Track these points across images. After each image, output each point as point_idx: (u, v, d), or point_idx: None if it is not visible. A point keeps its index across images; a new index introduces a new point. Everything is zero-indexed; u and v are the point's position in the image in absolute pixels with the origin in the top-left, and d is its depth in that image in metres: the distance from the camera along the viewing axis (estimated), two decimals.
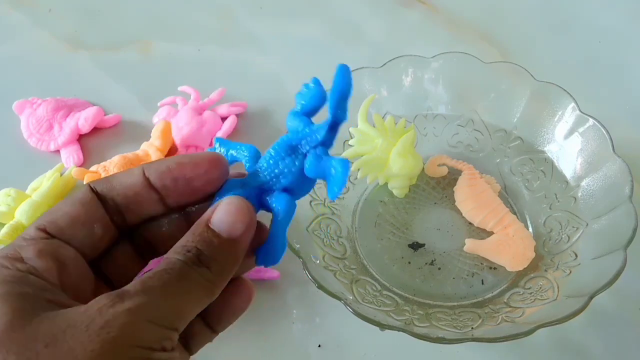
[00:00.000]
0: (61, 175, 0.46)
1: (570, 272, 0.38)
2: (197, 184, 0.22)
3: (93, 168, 0.46)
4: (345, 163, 0.21)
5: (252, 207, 0.21)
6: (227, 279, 0.21)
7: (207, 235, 0.20)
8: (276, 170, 0.22)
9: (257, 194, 0.22)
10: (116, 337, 0.17)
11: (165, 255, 0.20)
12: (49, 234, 0.21)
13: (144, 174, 0.22)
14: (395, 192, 0.44)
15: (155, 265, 0.20)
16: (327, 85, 0.24)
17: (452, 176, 0.46)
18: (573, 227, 0.40)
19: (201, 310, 0.20)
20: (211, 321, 0.23)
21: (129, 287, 0.19)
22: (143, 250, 0.24)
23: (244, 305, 0.24)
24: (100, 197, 0.21)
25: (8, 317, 0.18)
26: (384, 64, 0.45)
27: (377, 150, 0.42)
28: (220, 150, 0.24)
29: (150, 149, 0.47)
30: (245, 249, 0.21)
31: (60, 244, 0.21)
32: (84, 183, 0.45)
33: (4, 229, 0.42)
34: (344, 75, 0.22)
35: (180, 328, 0.19)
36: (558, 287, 0.37)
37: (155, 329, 0.18)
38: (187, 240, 0.20)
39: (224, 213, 0.21)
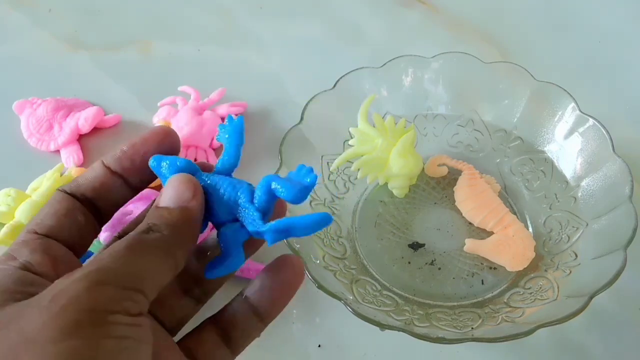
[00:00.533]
0: (61, 175, 0.46)
1: (570, 272, 0.38)
2: (151, 157, 0.23)
3: None
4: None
5: (195, 179, 0.22)
6: (185, 244, 0.21)
7: (157, 212, 0.21)
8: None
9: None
10: (65, 305, 0.17)
11: None
12: (40, 234, 0.21)
13: (103, 164, 0.23)
14: (395, 192, 0.44)
15: None
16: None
17: (452, 176, 0.46)
18: (573, 227, 0.40)
19: (172, 276, 0.20)
20: (260, 306, 0.23)
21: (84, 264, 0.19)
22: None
23: (291, 290, 0.24)
24: (72, 196, 0.23)
25: None
26: (384, 64, 0.45)
27: (377, 150, 0.42)
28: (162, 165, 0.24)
29: None
30: (197, 215, 0.22)
31: (51, 242, 0.21)
32: None
33: (4, 229, 0.42)
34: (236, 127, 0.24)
35: (146, 290, 0.19)
36: (558, 287, 0.37)
37: (111, 290, 0.18)
38: (142, 222, 0.21)
39: (169, 189, 0.22)
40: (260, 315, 0.24)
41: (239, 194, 0.23)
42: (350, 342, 0.39)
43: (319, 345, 0.39)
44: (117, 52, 0.58)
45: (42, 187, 0.45)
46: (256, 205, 0.22)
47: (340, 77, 0.43)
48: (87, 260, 0.20)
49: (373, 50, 0.57)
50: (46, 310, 0.17)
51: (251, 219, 0.22)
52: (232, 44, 0.59)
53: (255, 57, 0.57)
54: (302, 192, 0.22)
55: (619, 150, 0.39)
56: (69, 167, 0.48)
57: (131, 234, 0.20)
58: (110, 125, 0.52)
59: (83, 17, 0.62)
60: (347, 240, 0.42)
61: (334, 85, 0.43)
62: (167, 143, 0.23)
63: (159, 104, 0.52)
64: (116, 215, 0.38)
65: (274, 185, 0.22)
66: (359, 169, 0.43)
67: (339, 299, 0.34)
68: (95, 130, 0.51)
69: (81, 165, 0.48)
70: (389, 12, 0.61)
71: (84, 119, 0.50)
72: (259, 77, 0.56)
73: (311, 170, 0.23)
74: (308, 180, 0.22)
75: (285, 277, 0.24)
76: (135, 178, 0.23)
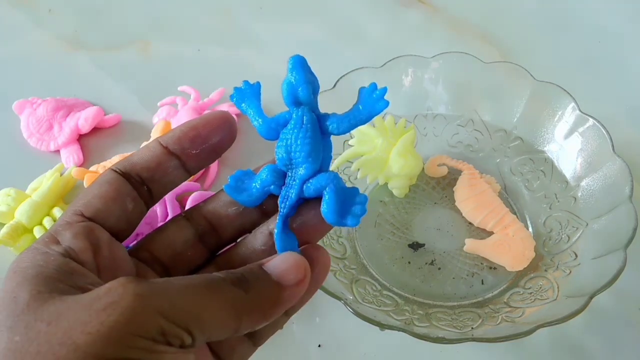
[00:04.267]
0: (61, 175, 0.46)
1: (570, 272, 0.38)
2: (213, 141, 0.22)
3: (93, 168, 0.46)
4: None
5: (309, 269, 0.21)
6: (259, 317, 0.20)
7: (256, 269, 0.20)
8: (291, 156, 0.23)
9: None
10: (116, 322, 0.17)
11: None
12: (85, 217, 0.21)
13: (161, 144, 0.22)
14: (395, 192, 0.44)
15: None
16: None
17: (452, 176, 0.46)
18: (573, 227, 0.40)
19: (224, 337, 0.19)
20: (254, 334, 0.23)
21: (152, 278, 0.19)
22: (204, 234, 0.23)
23: (323, 274, 0.23)
24: (125, 176, 0.22)
25: (26, 300, 0.17)
26: (384, 64, 0.45)
27: (377, 150, 0.42)
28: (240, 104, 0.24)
29: None
30: (289, 301, 0.21)
31: (95, 227, 0.21)
32: (105, 171, 0.45)
33: (4, 229, 0.42)
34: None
35: (195, 334, 0.18)
36: (558, 287, 0.37)
37: (162, 322, 0.17)
38: (238, 268, 0.20)
39: (280, 260, 0.21)
40: (255, 342, 0.23)
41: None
42: (350, 342, 0.39)
43: (319, 345, 0.39)
44: (117, 52, 0.58)
45: (42, 187, 0.45)
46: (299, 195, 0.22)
47: (340, 77, 0.43)
48: (164, 278, 0.19)
49: (373, 50, 0.57)
50: (96, 319, 0.17)
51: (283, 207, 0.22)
52: (232, 44, 0.59)
53: (255, 57, 0.57)
54: (344, 223, 0.21)
55: (619, 150, 0.39)
56: (69, 167, 0.48)
57: (217, 274, 0.20)
58: (110, 125, 0.52)
59: (83, 17, 0.62)
60: (347, 240, 0.42)
61: (334, 85, 0.43)
62: (228, 129, 0.23)
63: (159, 104, 0.52)
64: None
65: (326, 194, 0.21)
66: (359, 169, 0.43)
67: (339, 299, 0.34)
68: (95, 130, 0.51)
69: (81, 165, 0.48)
70: (389, 12, 0.61)
71: (84, 119, 0.50)
72: (259, 77, 0.55)
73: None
74: (359, 212, 0.22)
75: (316, 270, 0.22)
76: (193, 161, 0.22)
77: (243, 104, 0.24)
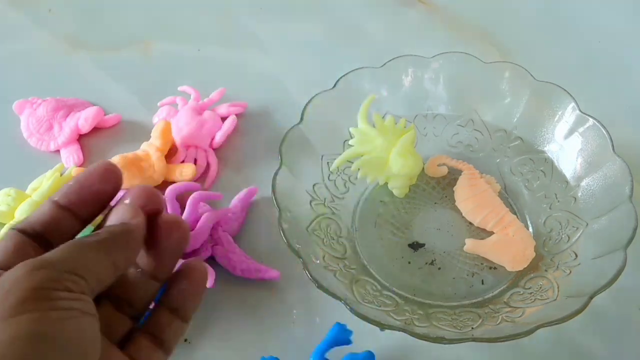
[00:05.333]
0: (61, 175, 0.46)
1: (570, 272, 0.38)
2: (96, 189, 0.25)
3: None
4: None
5: (137, 206, 0.24)
6: (123, 250, 0.23)
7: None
8: None
9: None
10: (10, 288, 0.19)
11: None
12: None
13: (51, 201, 0.25)
14: (395, 192, 0.44)
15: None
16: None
17: (452, 176, 0.46)
18: (573, 227, 0.40)
19: (112, 274, 0.23)
20: (179, 308, 0.26)
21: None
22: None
23: (204, 278, 0.26)
24: (23, 232, 0.24)
25: None
26: (384, 64, 0.45)
27: (377, 150, 0.42)
28: None
29: (150, 149, 0.47)
30: (134, 229, 0.24)
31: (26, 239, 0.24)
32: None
33: (4, 229, 0.42)
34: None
35: (86, 277, 0.21)
36: (558, 287, 0.37)
37: (51, 272, 0.20)
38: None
39: (114, 215, 0.24)
40: (181, 316, 0.26)
41: None
42: None
43: None
44: (117, 52, 0.58)
45: (42, 187, 0.45)
46: None
47: (340, 77, 0.43)
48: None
49: (373, 50, 0.57)
50: None
51: None
52: (232, 44, 0.59)
53: (255, 57, 0.57)
54: None
55: (619, 150, 0.39)
56: (69, 167, 0.48)
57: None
58: (110, 125, 0.52)
59: (83, 17, 0.62)
60: (347, 240, 0.42)
61: (334, 85, 0.43)
62: (111, 178, 0.25)
63: (159, 104, 0.52)
64: None
65: None
66: (359, 169, 0.43)
67: (339, 299, 0.34)
68: (95, 130, 0.51)
69: (81, 165, 0.48)
70: (389, 12, 0.61)
71: (84, 119, 0.50)
72: (259, 77, 0.56)
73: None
74: None
75: (194, 278, 0.26)
76: (83, 210, 0.25)
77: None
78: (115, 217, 0.24)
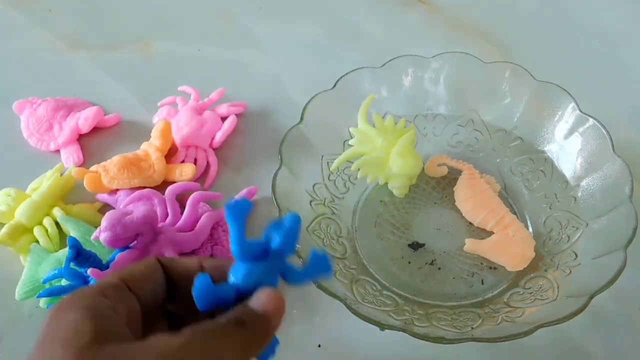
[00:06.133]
0: (61, 175, 0.46)
1: (570, 272, 0.38)
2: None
3: (93, 168, 0.46)
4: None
5: (283, 299, 0.25)
6: (260, 341, 0.24)
7: (244, 309, 0.25)
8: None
9: None
10: None
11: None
12: (127, 286, 0.25)
13: (200, 263, 0.27)
14: (395, 192, 0.44)
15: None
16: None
17: (452, 176, 0.46)
18: (573, 227, 0.40)
19: None
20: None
21: (183, 329, 0.23)
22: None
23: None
24: (164, 268, 0.27)
25: (90, 336, 0.21)
26: (384, 64, 0.45)
27: (377, 150, 0.42)
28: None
29: (150, 148, 0.47)
30: (276, 327, 0.25)
31: (132, 297, 0.25)
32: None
33: (4, 229, 0.42)
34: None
35: None
36: (558, 287, 0.37)
37: None
38: (231, 311, 0.25)
39: (260, 294, 0.25)
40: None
41: None
42: (350, 342, 0.39)
43: (319, 345, 0.39)
44: (117, 52, 0.58)
45: (42, 187, 0.45)
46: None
47: (340, 77, 0.43)
48: (187, 327, 0.23)
49: (373, 50, 0.57)
50: None
51: None
52: (232, 44, 0.59)
53: (255, 57, 0.57)
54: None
55: (619, 150, 0.39)
56: (69, 167, 0.48)
57: (223, 318, 0.24)
58: (110, 125, 0.52)
59: (83, 17, 0.62)
60: (347, 240, 0.42)
61: (334, 85, 0.43)
62: None
63: (159, 104, 0.52)
64: (115, 214, 0.38)
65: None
66: (359, 169, 0.43)
67: (339, 299, 0.34)
68: (95, 130, 0.51)
69: (81, 165, 0.48)
70: (389, 12, 0.62)
71: (84, 119, 0.50)
72: (259, 77, 0.56)
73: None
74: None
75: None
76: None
77: (232, 221, 0.25)
78: (265, 301, 0.25)
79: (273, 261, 0.25)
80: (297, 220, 0.25)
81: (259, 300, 0.25)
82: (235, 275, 0.25)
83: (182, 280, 0.27)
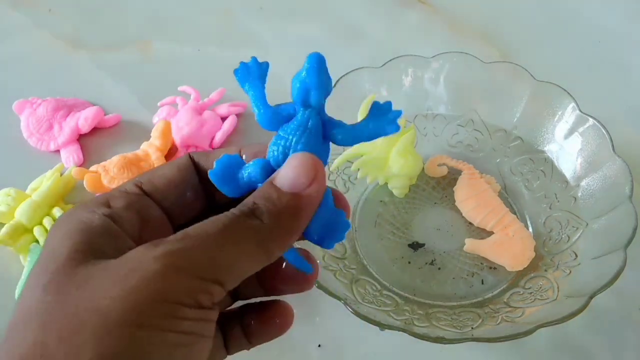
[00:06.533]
0: (61, 175, 0.46)
1: (570, 272, 0.38)
2: None
3: (93, 168, 0.46)
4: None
5: (320, 162, 0.20)
6: (286, 237, 0.19)
7: (267, 190, 0.19)
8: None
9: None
10: (136, 287, 0.16)
11: None
12: (144, 191, 0.21)
13: (240, 152, 0.22)
14: (395, 192, 0.44)
15: None
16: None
17: (452, 176, 0.46)
18: (573, 227, 0.40)
19: (258, 269, 0.19)
20: (248, 333, 0.23)
21: (170, 235, 0.18)
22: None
23: (279, 332, 0.24)
24: (198, 168, 0.22)
25: (63, 257, 0.18)
26: (384, 64, 0.45)
27: (377, 150, 0.42)
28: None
29: (150, 148, 0.47)
30: (310, 206, 0.19)
31: (151, 203, 0.21)
32: (85, 182, 0.45)
33: (4, 229, 0.42)
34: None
35: (226, 282, 0.18)
36: (558, 287, 0.37)
37: (187, 280, 0.17)
38: (248, 197, 0.19)
39: (287, 168, 0.20)
40: (249, 340, 0.24)
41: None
42: (350, 342, 0.39)
43: (319, 345, 0.39)
44: (117, 52, 0.58)
45: (42, 187, 0.45)
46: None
47: (340, 77, 0.43)
48: (179, 232, 0.18)
49: (373, 50, 0.57)
50: (119, 286, 0.17)
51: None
52: (232, 44, 0.59)
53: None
54: (320, 243, 0.21)
55: (619, 150, 0.39)
56: (69, 167, 0.48)
57: (230, 213, 0.19)
58: (110, 125, 0.52)
59: (83, 17, 0.62)
60: (347, 240, 0.42)
61: (334, 85, 0.43)
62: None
63: (159, 104, 0.52)
64: None
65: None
66: (359, 169, 0.43)
67: (339, 299, 0.34)
68: (95, 130, 0.51)
69: (81, 165, 0.48)
70: (389, 12, 0.61)
71: (84, 119, 0.50)
72: None
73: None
74: (337, 238, 0.21)
75: (282, 325, 0.24)
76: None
77: (246, 85, 0.22)
78: (288, 174, 0.19)
79: (311, 121, 0.20)
80: (318, 58, 0.21)
81: (286, 172, 0.19)
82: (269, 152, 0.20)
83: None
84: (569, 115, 0.43)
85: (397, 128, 0.21)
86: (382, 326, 0.33)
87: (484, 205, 0.43)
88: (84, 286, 0.17)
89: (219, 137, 0.49)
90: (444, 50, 0.45)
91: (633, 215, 0.36)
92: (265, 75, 0.22)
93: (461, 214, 0.44)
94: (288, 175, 0.19)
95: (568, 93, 0.43)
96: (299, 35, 0.59)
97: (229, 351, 0.23)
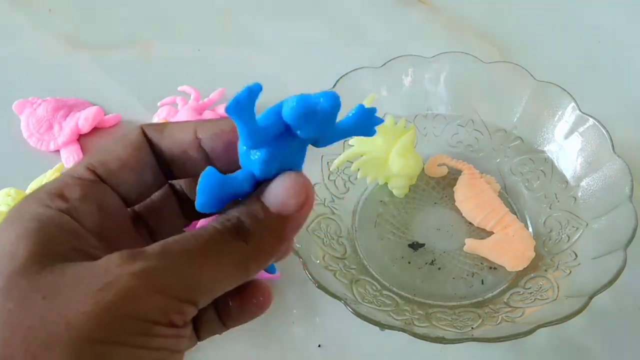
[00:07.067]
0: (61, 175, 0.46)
1: (570, 272, 0.38)
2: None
3: None
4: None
5: (311, 185, 0.19)
6: (266, 260, 0.19)
7: (253, 207, 0.18)
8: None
9: None
10: (111, 303, 0.16)
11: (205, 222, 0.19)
12: (98, 176, 0.20)
13: (195, 132, 0.20)
14: (395, 192, 0.44)
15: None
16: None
17: (452, 176, 0.46)
18: (573, 227, 0.40)
19: (233, 287, 0.18)
20: (224, 314, 0.22)
21: (148, 247, 0.17)
22: (190, 210, 0.22)
23: (259, 311, 0.22)
24: (151, 144, 0.20)
25: (23, 259, 0.17)
26: (384, 64, 0.45)
27: (377, 150, 0.42)
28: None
29: None
30: (294, 229, 0.19)
31: (107, 190, 0.20)
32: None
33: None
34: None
35: (200, 303, 0.17)
36: (558, 287, 0.37)
37: (163, 300, 0.16)
38: (232, 210, 0.19)
39: (278, 187, 0.19)
40: (225, 323, 0.22)
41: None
42: (350, 342, 0.39)
43: (319, 345, 0.39)
44: (117, 52, 0.58)
45: None
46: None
47: (340, 77, 0.43)
48: (160, 242, 0.17)
49: (373, 50, 0.57)
50: (91, 300, 0.16)
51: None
52: (232, 44, 0.59)
53: (255, 57, 0.57)
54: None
55: (619, 150, 0.39)
56: (68, 167, 0.48)
57: (213, 228, 0.18)
58: (110, 125, 0.52)
59: (83, 17, 0.62)
60: (347, 240, 0.42)
61: (334, 85, 0.43)
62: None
63: (159, 104, 0.52)
64: None
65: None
66: (359, 169, 0.43)
67: (339, 299, 0.34)
68: (95, 130, 0.51)
69: None
70: (389, 12, 0.61)
71: (84, 119, 0.50)
72: (259, 77, 0.55)
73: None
74: None
75: (260, 305, 0.22)
76: (221, 164, 0.20)
77: (236, 119, 0.20)
78: (277, 192, 0.18)
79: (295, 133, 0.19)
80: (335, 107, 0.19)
81: (277, 191, 0.18)
82: (248, 162, 0.19)
83: (175, 158, 0.20)
84: (569, 115, 0.43)
85: (374, 133, 0.21)
86: (382, 326, 0.33)
87: (484, 205, 0.43)
88: (52, 296, 0.16)
89: None
90: (444, 50, 0.45)
91: (633, 215, 0.36)
92: (255, 102, 0.20)
93: (461, 214, 0.44)
94: (278, 194, 0.19)
95: (568, 93, 0.43)
96: (299, 35, 0.59)
97: (200, 337, 0.22)
